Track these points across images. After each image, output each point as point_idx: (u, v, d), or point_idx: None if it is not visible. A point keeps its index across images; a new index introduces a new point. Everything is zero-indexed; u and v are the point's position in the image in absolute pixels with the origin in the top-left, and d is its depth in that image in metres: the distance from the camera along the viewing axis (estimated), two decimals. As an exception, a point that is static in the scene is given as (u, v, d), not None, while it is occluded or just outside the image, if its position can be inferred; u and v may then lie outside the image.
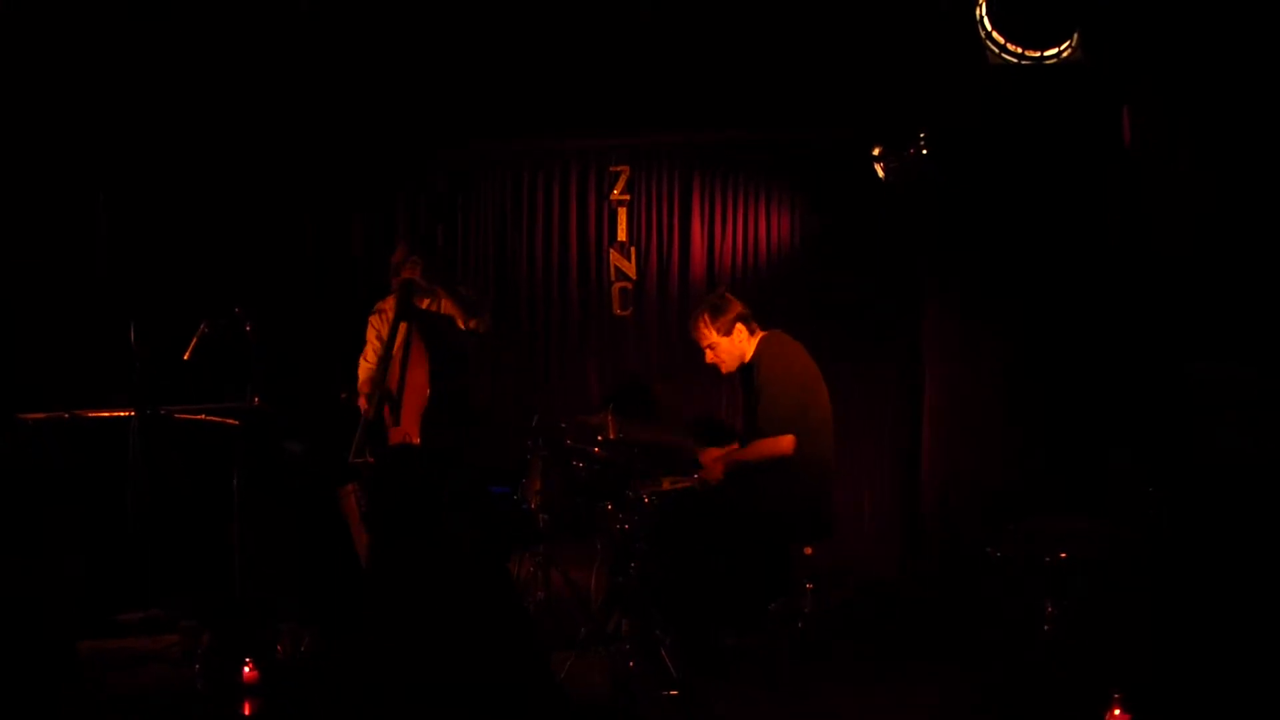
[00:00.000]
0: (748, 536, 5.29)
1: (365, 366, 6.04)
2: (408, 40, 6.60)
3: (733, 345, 5.46)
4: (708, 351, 5.51)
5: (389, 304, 6.08)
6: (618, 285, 7.15)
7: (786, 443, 5.23)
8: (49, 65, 6.42)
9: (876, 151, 6.11)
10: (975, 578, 5.70)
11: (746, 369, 5.47)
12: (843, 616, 5.78)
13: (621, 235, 7.14)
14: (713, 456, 5.52)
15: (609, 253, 7.16)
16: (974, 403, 6.55)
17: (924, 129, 5.99)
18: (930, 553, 6.57)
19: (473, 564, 3.68)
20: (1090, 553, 5.06)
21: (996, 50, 4.81)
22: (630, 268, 7.13)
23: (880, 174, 6.17)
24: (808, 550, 5.41)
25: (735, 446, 5.56)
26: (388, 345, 5.69)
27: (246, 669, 4.53)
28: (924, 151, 5.95)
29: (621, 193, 7.14)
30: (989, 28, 4.79)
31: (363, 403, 5.88)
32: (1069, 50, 4.79)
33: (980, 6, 4.81)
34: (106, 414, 5.58)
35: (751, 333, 5.47)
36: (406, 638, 3.38)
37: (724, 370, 5.56)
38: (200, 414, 5.51)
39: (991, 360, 6.50)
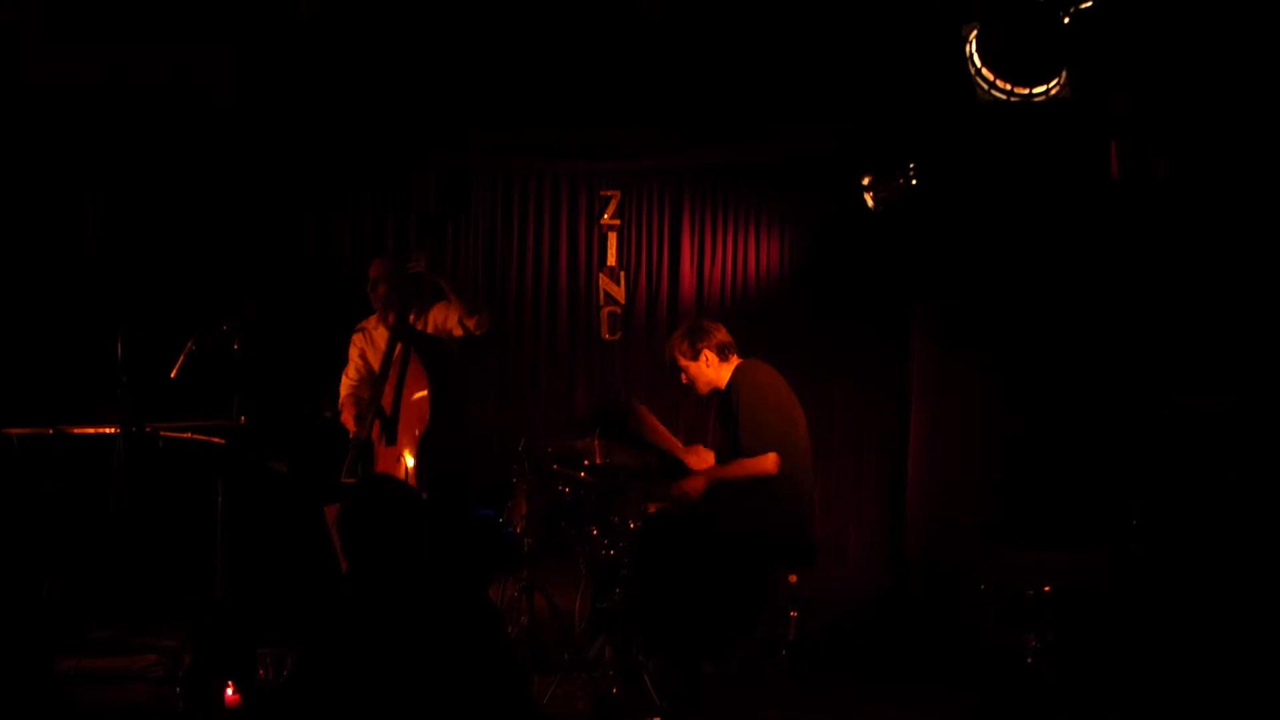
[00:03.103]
0: (730, 561, 5.28)
1: (347, 383, 6.03)
2: (400, 61, 6.62)
3: (699, 370, 5.45)
4: (681, 373, 5.52)
5: (370, 322, 6.08)
6: (606, 309, 7.16)
7: (770, 461, 5.21)
8: (41, 87, 6.43)
9: (866, 181, 6.15)
10: (959, 607, 5.71)
11: (724, 396, 5.47)
12: (826, 644, 5.77)
13: (611, 259, 7.16)
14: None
15: (598, 277, 7.17)
16: (960, 431, 6.56)
17: (912, 157, 6.02)
18: (915, 581, 6.57)
19: (453, 588, 3.67)
20: (1074, 584, 5.08)
21: (986, 87, 4.84)
22: (619, 292, 7.15)
23: (870, 203, 6.20)
24: (792, 578, 5.41)
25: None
26: (384, 364, 5.67)
27: (228, 691, 4.52)
28: (913, 181, 5.98)
29: (612, 217, 7.16)
30: (978, 64, 4.81)
31: (346, 420, 5.87)
32: (1057, 88, 4.82)
33: (970, 44, 4.83)
34: (92, 430, 5.55)
35: (723, 359, 5.45)
36: (384, 661, 3.37)
37: (697, 392, 5.56)
38: (186, 432, 5.49)
39: (978, 389, 6.52)
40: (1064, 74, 4.81)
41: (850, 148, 6.53)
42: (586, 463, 5.62)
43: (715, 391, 5.51)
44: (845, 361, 6.85)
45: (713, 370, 5.45)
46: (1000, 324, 6.40)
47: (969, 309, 6.51)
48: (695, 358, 5.45)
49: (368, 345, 6.05)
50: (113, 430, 5.45)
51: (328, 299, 7.12)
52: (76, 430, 5.57)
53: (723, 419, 5.55)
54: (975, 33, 4.83)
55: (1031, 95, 4.82)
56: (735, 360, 5.48)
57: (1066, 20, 4.49)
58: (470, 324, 5.87)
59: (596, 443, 5.60)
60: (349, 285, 6.99)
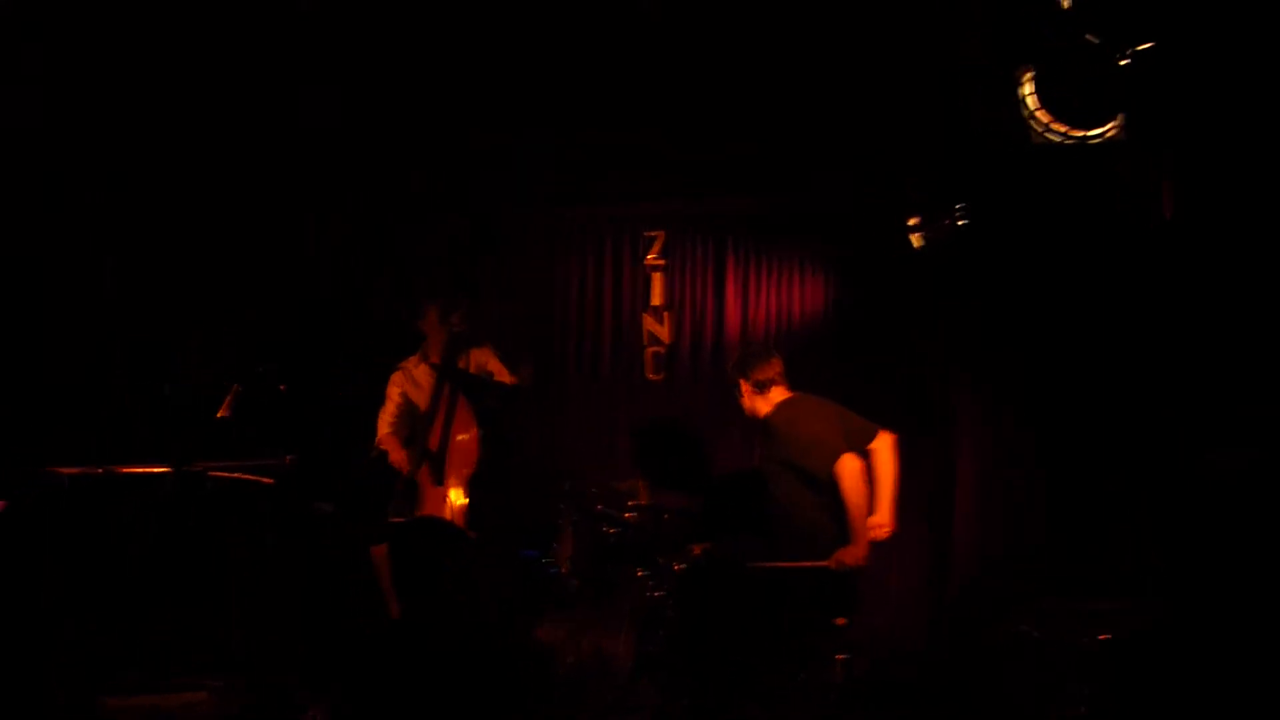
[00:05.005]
0: (776, 605, 5.27)
1: (385, 421, 6.07)
2: (443, 105, 6.67)
3: (739, 397, 5.76)
4: None
5: (411, 361, 6.14)
6: (650, 350, 7.14)
7: (852, 459, 5.42)
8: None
9: (913, 222, 6.15)
10: (1006, 655, 5.64)
11: (765, 427, 5.65)
12: (872, 689, 5.71)
13: (656, 300, 7.14)
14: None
15: (643, 317, 7.17)
16: (1007, 477, 6.50)
17: (957, 199, 6.01)
18: (961, 627, 6.48)
19: (500, 627, 3.68)
20: (1122, 634, 5.01)
21: (1040, 130, 4.83)
22: (664, 332, 7.13)
23: (915, 244, 6.19)
24: (840, 621, 5.38)
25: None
26: (432, 404, 5.73)
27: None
28: (959, 223, 5.97)
29: (657, 257, 7.15)
30: (1032, 107, 4.81)
31: (396, 460, 5.88)
32: (1114, 130, 4.81)
33: (1024, 85, 4.83)
34: (141, 470, 5.59)
35: (758, 392, 5.66)
36: (431, 701, 3.37)
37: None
38: (235, 472, 5.52)
39: (1026, 435, 6.45)
40: (1120, 116, 4.80)
41: (893, 193, 6.52)
42: (631, 503, 5.64)
43: (757, 420, 5.72)
44: (888, 406, 6.75)
45: (747, 400, 5.73)
46: (1048, 368, 6.34)
47: (1016, 352, 6.45)
48: (734, 385, 5.75)
49: (409, 384, 6.11)
50: (163, 470, 5.48)
51: (368, 342, 7.15)
52: (126, 470, 5.60)
53: (762, 451, 5.77)
54: (1031, 75, 4.82)
55: (1087, 138, 4.82)
56: (776, 394, 5.60)
57: (1124, 63, 4.47)
58: (513, 380, 6.00)
59: (641, 483, 5.62)
60: (387, 329, 7.03)
